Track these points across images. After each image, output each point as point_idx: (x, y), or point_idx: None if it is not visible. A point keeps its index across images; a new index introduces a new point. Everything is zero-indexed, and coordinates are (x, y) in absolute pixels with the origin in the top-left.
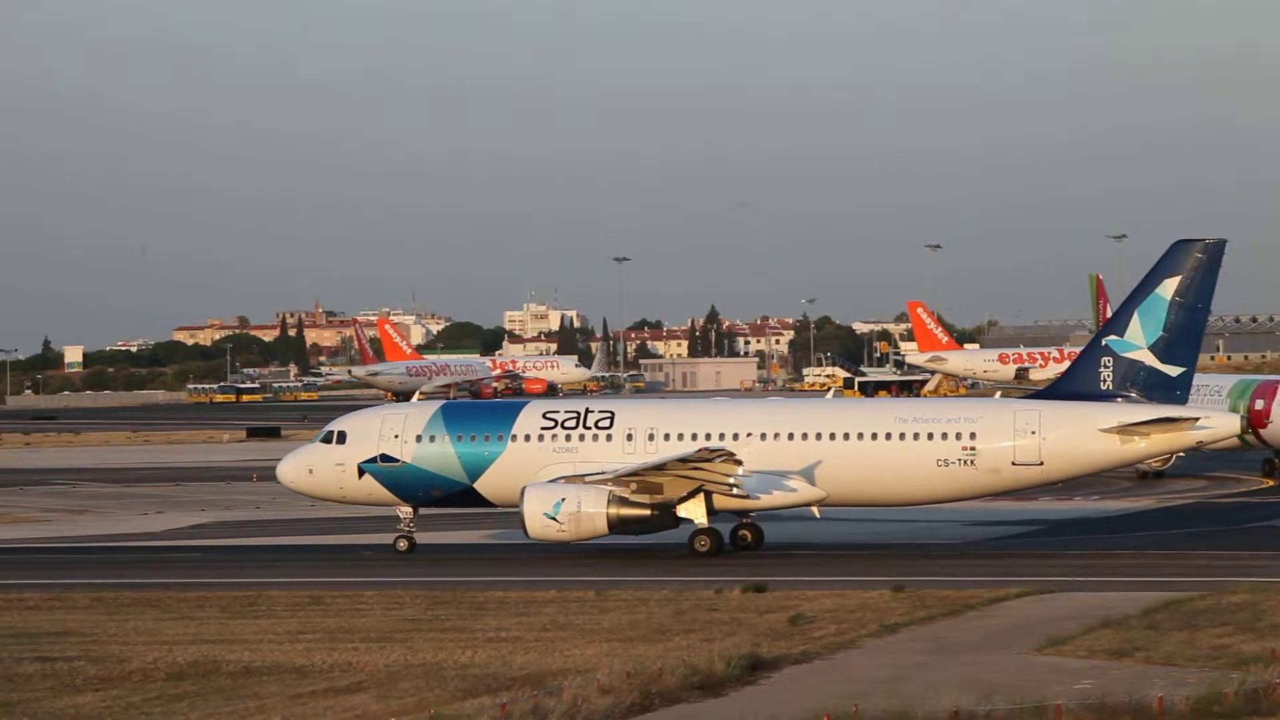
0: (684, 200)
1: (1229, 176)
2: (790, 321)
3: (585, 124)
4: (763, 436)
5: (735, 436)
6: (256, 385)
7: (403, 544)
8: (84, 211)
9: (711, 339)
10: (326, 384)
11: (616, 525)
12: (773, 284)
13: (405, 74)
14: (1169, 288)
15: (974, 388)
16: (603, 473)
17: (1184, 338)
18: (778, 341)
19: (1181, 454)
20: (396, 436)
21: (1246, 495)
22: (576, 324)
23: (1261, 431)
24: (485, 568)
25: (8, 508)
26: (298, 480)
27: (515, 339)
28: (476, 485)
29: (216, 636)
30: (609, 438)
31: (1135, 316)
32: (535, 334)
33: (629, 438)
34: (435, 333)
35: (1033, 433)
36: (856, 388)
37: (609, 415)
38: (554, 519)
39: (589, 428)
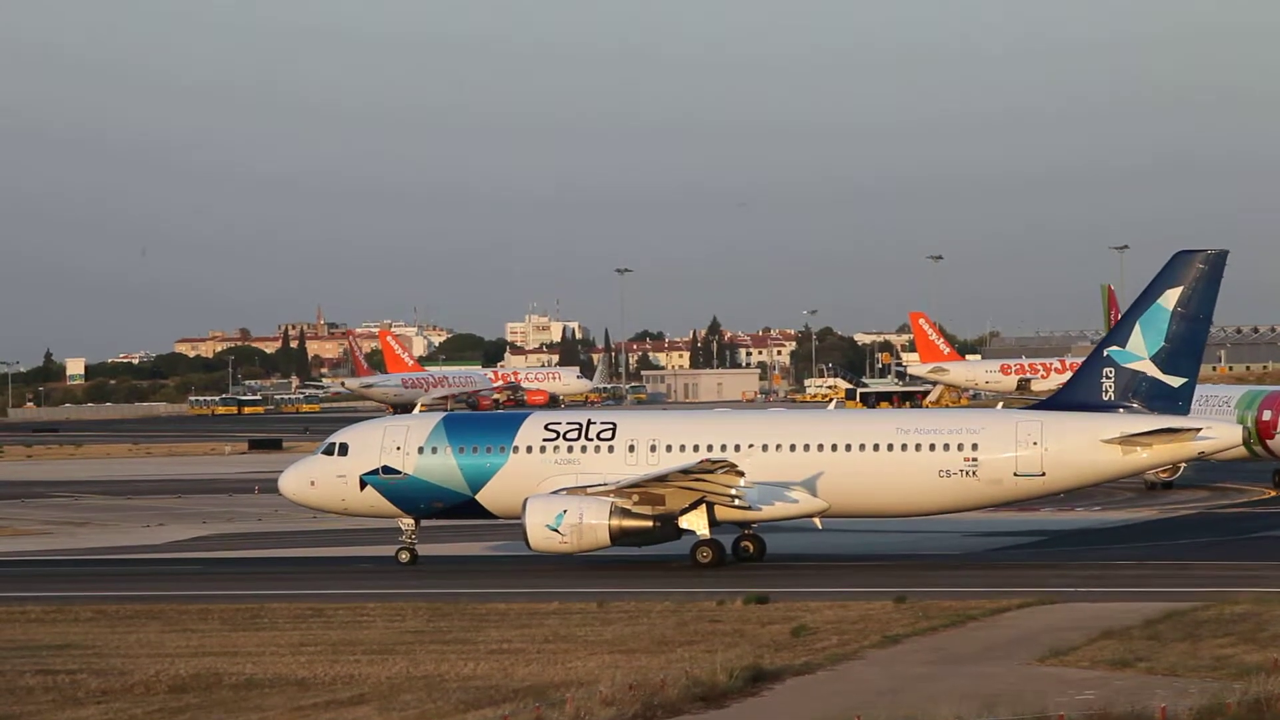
0: (686, 212)
1: (1231, 188)
2: (792, 332)
3: (586, 137)
4: (764, 448)
5: (737, 448)
6: (258, 397)
7: (404, 556)
8: (86, 224)
9: (713, 350)
10: (328, 396)
11: (618, 537)
12: (774, 295)
13: (406, 92)
14: (1171, 299)
15: (976, 399)
16: (605, 484)
17: (1186, 348)
18: (779, 352)
19: (1184, 465)
20: (398, 448)
21: (1249, 506)
22: (578, 335)
23: (1269, 442)
24: (487, 579)
25: (9, 520)
26: (300, 492)
27: (517, 351)
28: (478, 497)
29: (218, 649)
30: (611, 449)
31: (1137, 327)
32: (537, 345)
33: (631, 449)
34: (437, 344)
35: (1035, 443)
36: (858, 399)
37: (611, 427)
38: (556, 530)
39: (591, 439)
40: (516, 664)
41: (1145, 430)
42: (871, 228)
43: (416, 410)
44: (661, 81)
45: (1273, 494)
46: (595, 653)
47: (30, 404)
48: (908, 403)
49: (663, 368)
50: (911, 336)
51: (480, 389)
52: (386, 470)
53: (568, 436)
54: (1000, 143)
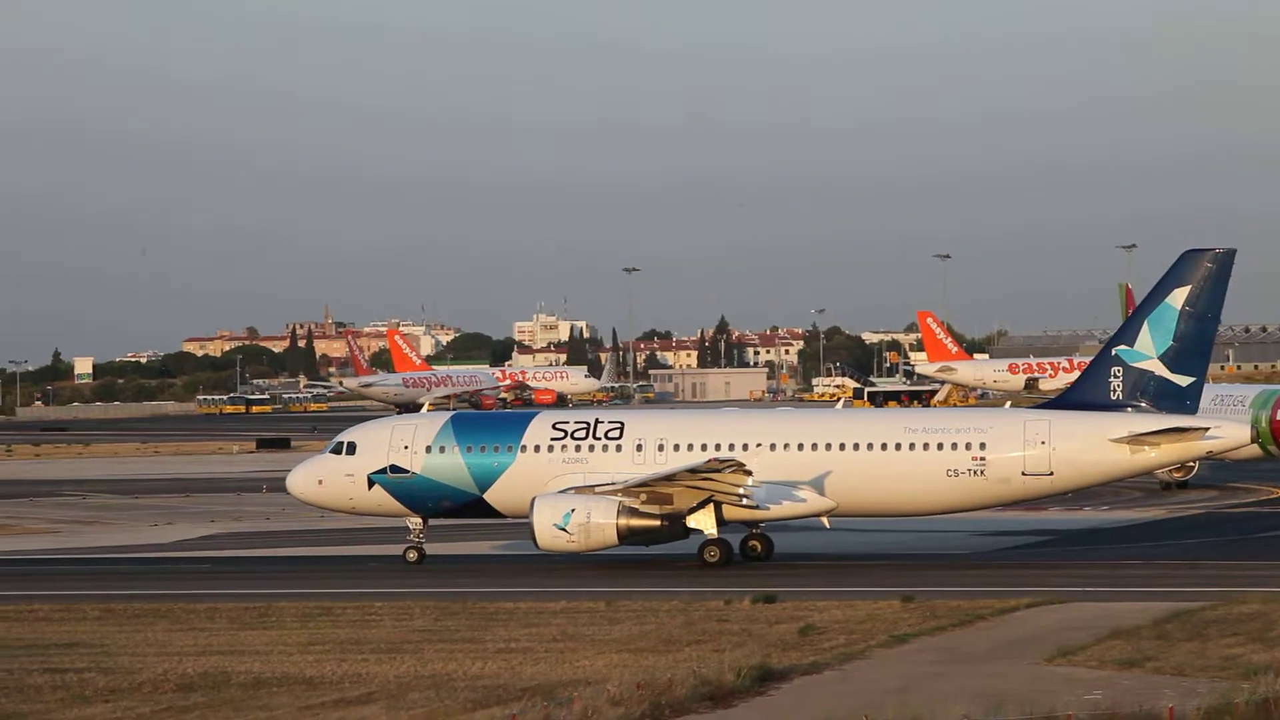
0: (693, 211)
1: (1239, 186)
2: (800, 332)
3: (593, 137)
4: (772, 447)
5: (745, 447)
6: (266, 396)
7: (412, 555)
8: (94, 224)
9: (721, 349)
10: (335, 395)
11: (626, 536)
12: (782, 294)
13: (413, 91)
14: (1179, 297)
15: (984, 398)
16: (612, 483)
17: (1194, 347)
18: (787, 352)
19: (1197, 465)
20: (406, 447)
21: (1257, 505)
22: (586, 335)
23: None
24: (495, 578)
25: (18, 518)
26: (307, 491)
27: (525, 350)
28: (486, 496)
29: (226, 647)
30: (618, 448)
31: (1145, 326)
32: (545, 345)
33: (638, 448)
34: (445, 344)
35: (1043, 443)
36: (866, 398)
37: (618, 426)
38: (564, 530)
39: (598, 438)
40: (524, 663)
41: (1153, 430)
42: (879, 227)
43: (424, 409)
44: (669, 79)
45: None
46: (603, 652)
47: (39, 403)
48: (916, 402)
49: (670, 367)
50: (919, 336)
51: (484, 388)
52: (394, 469)
53: (575, 436)
54: (1007, 141)
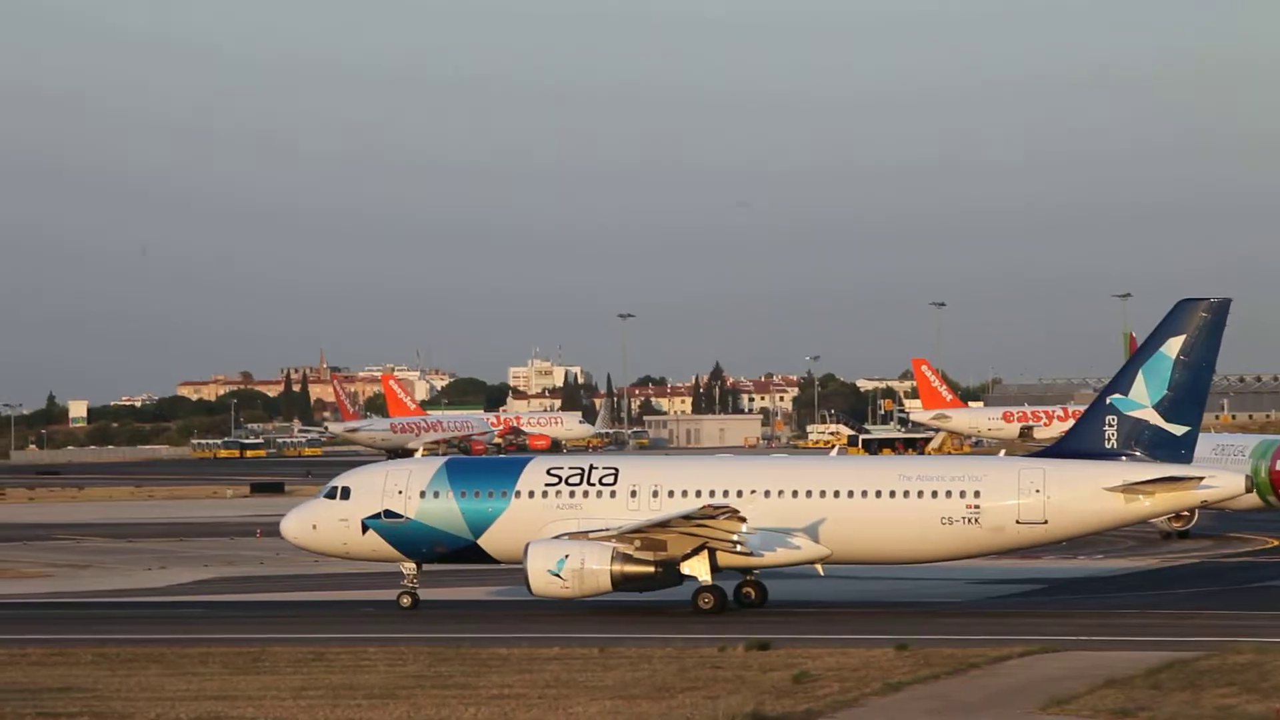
0: (688, 257)
1: (1234, 236)
2: (794, 378)
3: (590, 182)
4: (766, 494)
5: (739, 494)
6: (260, 440)
7: (406, 600)
8: (89, 267)
9: (715, 396)
10: (330, 439)
11: (620, 582)
12: (777, 341)
13: (410, 135)
14: (1174, 347)
15: (978, 445)
16: (606, 529)
17: (1189, 397)
18: (782, 398)
19: (1197, 514)
20: (400, 492)
21: (1251, 555)
22: (580, 380)
23: None
24: (488, 624)
25: (11, 562)
26: (302, 536)
27: (519, 395)
28: (480, 541)
29: (220, 693)
30: (613, 494)
31: (1140, 375)
32: (539, 390)
33: (633, 494)
34: (440, 388)
35: (1037, 491)
36: (860, 445)
37: (613, 472)
38: (558, 575)
39: (593, 484)
40: (518, 709)
41: (1148, 478)
42: (874, 274)
43: (419, 454)
44: (663, 123)
45: (1275, 543)
46: (596, 698)
47: (33, 446)
48: (910, 449)
49: (665, 413)
50: (914, 383)
51: (473, 434)
52: (388, 514)
53: (570, 481)
54: (1004, 187)
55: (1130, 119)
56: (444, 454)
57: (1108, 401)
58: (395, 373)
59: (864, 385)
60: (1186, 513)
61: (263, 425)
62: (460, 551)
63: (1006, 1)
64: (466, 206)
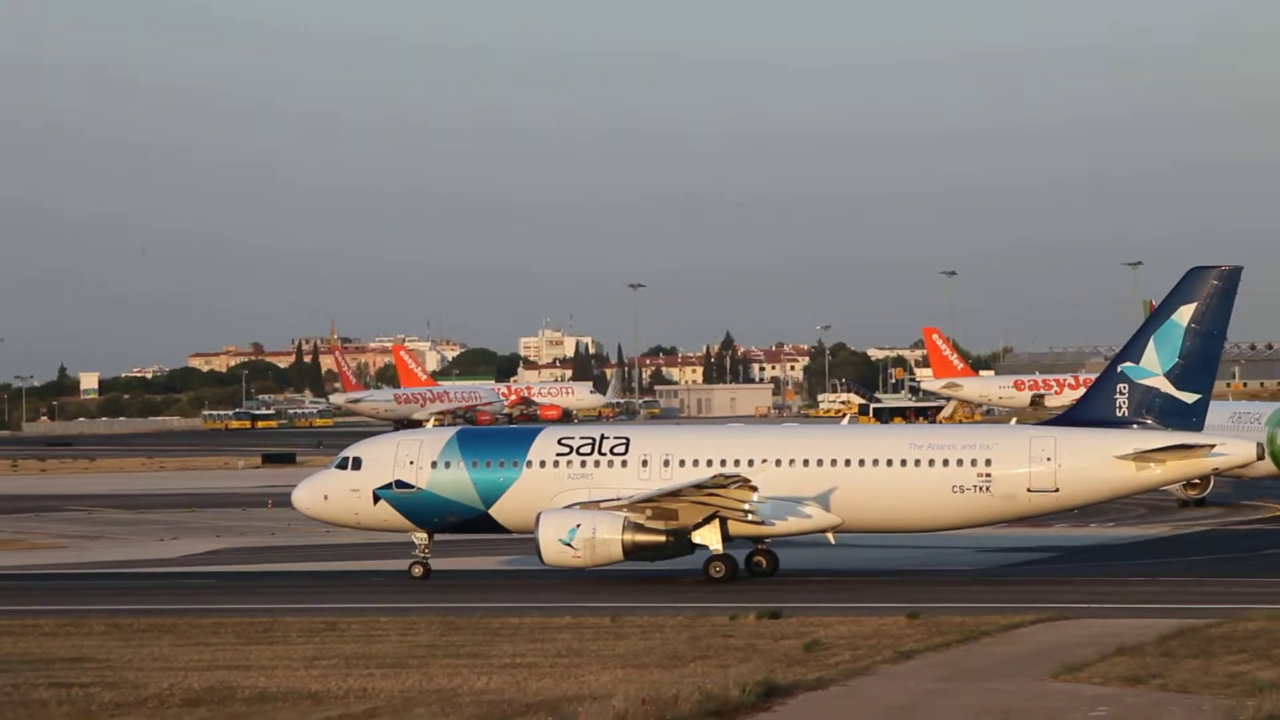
0: (699, 227)
1: (1246, 203)
2: (805, 348)
3: (599, 152)
4: (778, 463)
5: (750, 463)
6: (271, 411)
7: (418, 570)
8: (100, 240)
9: (726, 365)
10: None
11: (632, 551)
12: (788, 310)
13: (420, 106)
14: (1185, 314)
15: (989, 414)
16: (618, 499)
17: (1200, 364)
18: (793, 368)
19: (1197, 481)
20: (412, 462)
21: (1262, 522)
22: (591, 350)
23: None
24: (500, 594)
25: (24, 533)
26: (313, 506)
27: (530, 365)
28: (491, 511)
29: (231, 662)
30: (624, 464)
31: (1151, 343)
32: (550, 360)
33: (644, 464)
34: (450, 359)
35: (1048, 459)
36: (872, 414)
37: (624, 441)
38: (569, 545)
39: (604, 454)
40: (530, 678)
41: (1159, 446)
42: (885, 242)
43: (429, 424)
44: (672, 94)
45: None
46: (608, 667)
47: (44, 418)
48: (921, 418)
49: (676, 383)
50: (925, 352)
51: (477, 404)
52: (400, 485)
53: (581, 451)
54: (1015, 156)
55: (1141, 86)
56: (450, 425)
57: (1119, 370)
58: (406, 344)
59: (875, 354)
60: (1200, 480)
61: (274, 396)
62: (471, 521)
63: None
64: (478, 178)
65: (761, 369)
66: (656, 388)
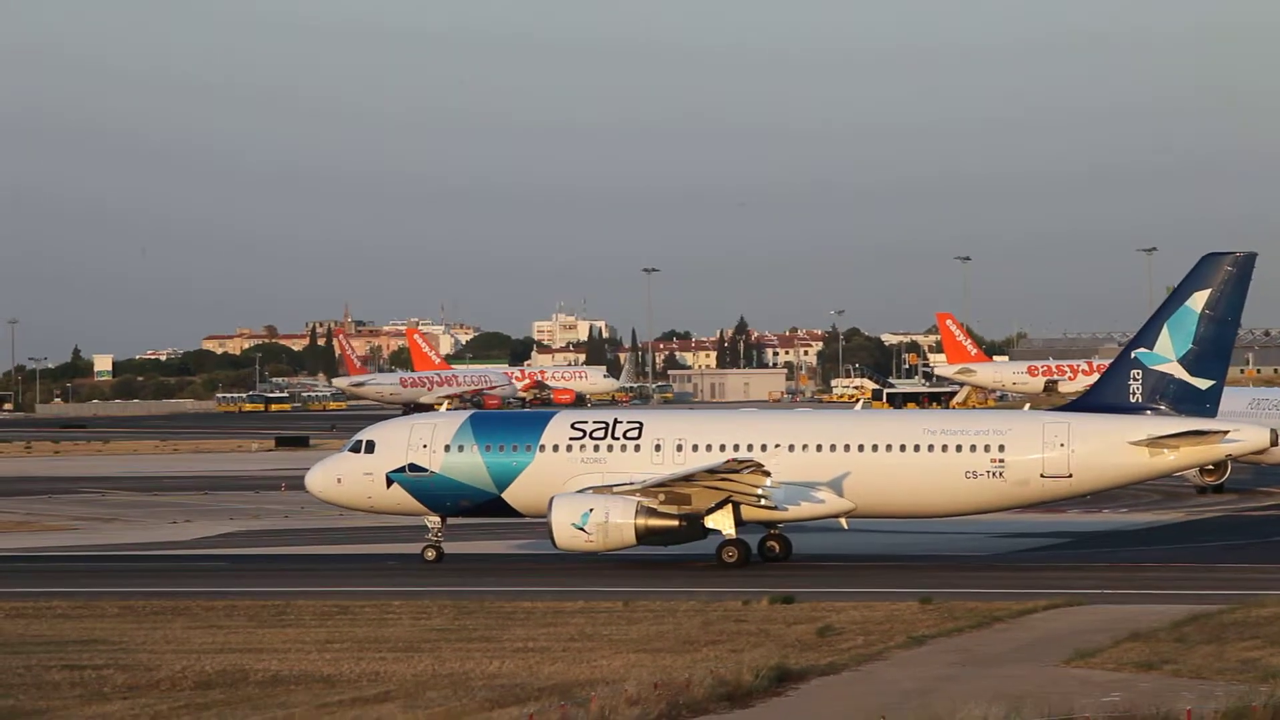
0: (713, 212)
1: (1260, 190)
2: (819, 333)
3: (614, 138)
4: (791, 448)
5: (763, 448)
6: (285, 394)
7: (430, 554)
8: (114, 224)
9: (740, 350)
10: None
11: (644, 536)
12: (801, 295)
13: (435, 93)
14: (1199, 301)
15: (1003, 400)
16: (631, 483)
17: (1213, 351)
18: (806, 353)
19: (1213, 467)
20: (425, 446)
21: (1276, 509)
22: (605, 335)
23: None
24: (513, 578)
25: (37, 516)
26: (326, 490)
27: (544, 349)
28: (504, 495)
29: (244, 645)
30: (637, 448)
31: (1165, 329)
32: (564, 344)
33: (657, 449)
34: (464, 343)
35: (1061, 445)
36: (885, 399)
37: (637, 426)
38: (582, 529)
39: (617, 438)
40: (542, 662)
41: (1172, 432)
42: (899, 228)
43: (442, 408)
44: (689, 79)
45: None
46: (621, 652)
47: (58, 400)
48: (935, 404)
49: (689, 367)
50: (939, 337)
51: (486, 389)
52: (413, 468)
53: (594, 436)
54: (1029, 143)
55: (1155, 74)
56: (460, 408)
57: (1132, 356)
58: (420, 327)
59: (889, 339)
60: (1217, 466)
61: (287, 379)
62: (484, 505)
63: None
64: (492, 163)
65: (775, 354)
66: (670, 372)
